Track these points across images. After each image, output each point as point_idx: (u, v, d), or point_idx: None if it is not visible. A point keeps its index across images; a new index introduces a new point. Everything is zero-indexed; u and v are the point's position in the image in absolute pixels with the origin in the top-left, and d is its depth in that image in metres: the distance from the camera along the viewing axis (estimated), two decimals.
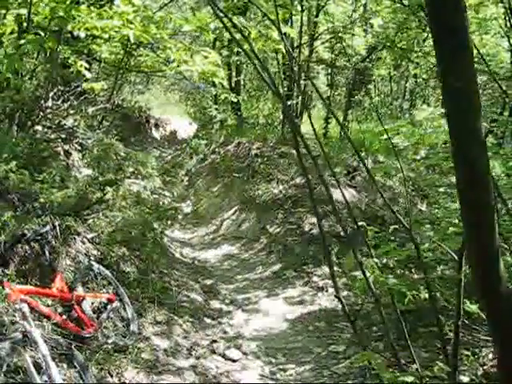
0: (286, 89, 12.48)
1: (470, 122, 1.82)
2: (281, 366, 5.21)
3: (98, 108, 8.29)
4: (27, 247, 4.74)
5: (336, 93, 14.91)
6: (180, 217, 8.99)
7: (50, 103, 7.36)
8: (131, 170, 5.33)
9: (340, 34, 12.93)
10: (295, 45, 11.71)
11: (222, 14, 3.64)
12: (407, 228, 2.96)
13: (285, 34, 9.34)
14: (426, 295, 3.26)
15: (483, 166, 1.85)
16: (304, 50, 13.11)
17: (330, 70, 13.59)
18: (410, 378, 2.49)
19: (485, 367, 3.79)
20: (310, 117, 3.95)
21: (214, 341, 5.55)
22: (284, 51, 9.96)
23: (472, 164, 1.84)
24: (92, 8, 6.78)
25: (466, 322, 3.48)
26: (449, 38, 1.84)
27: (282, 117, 12.32)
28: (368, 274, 2.70)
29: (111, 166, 5.23)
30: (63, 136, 7.31)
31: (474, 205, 1.94)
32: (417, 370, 2.71)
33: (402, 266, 5.16)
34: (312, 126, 3.63)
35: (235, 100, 10.70)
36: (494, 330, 2.22)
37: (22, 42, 5.59)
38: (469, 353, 4.10)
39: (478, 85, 1.88)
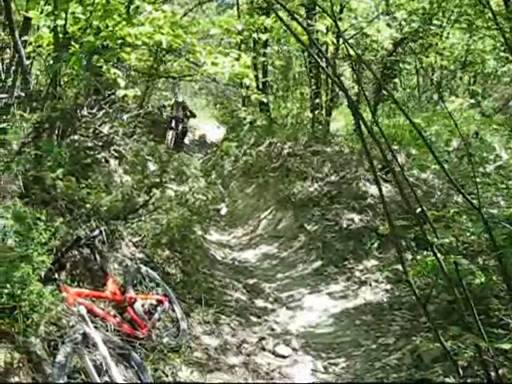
0: (313, 87, 12.45)
1: None
2: (331, 361, 5.22)
3: (131, 115, 8.38)
4: (76, 252, 4.83)
5: (364, 88, 14.84)
6: (217, 219, 9.06)
7: (85, 112, 7.48)
8: (175, 171, 5.41)
9: (364, 30, 12.91)
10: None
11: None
12: (477, 208, 2.93)
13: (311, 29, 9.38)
14: (482, 279, 3.22)
15: None
16: (330, 48, 13.09)
17: (356, 66, 13.50)
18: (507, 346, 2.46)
19: None
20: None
21: (263, 338, 5.58)
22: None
23: None
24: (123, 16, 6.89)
25: None
26: None
27: (311, 116, 12.29)
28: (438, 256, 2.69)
29: (155, 168, 5.31)
30: (100, 144, 7.41)
31: None
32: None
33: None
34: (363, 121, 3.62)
35: (265, 100, 10.69)
36: None
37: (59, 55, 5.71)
38: None
39: None
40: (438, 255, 2.68)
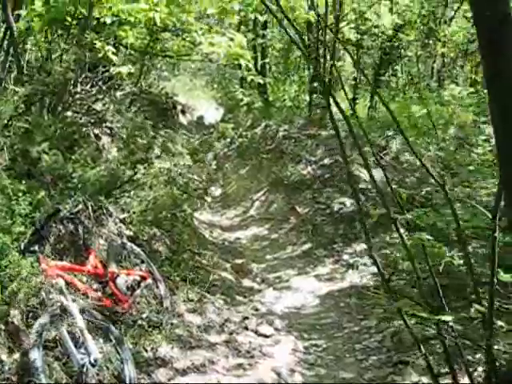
0: (311, 70, 12.40)
1: None
2: (313, 342, 5.24)
3: (125, 92, 8.35)
4: (61, 227, 4.83)
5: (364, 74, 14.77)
6: (209, 199, 9.06)
7: (78, 88, 7.45)
8: (161, 148, 5.39)
9: (365, 15, 12.81)
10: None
11: None
12: (441, 185, 2.92)
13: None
14: (461, 261, 3.22)
15: None
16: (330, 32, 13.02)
17: (356, 51, 13.44)
18: (447, 318, 2.48)
19: None
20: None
21: (246, 317, 5.60)
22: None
23: None
24: None
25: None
26: None
27: (308, 99, 12.25)
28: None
29: (141, 144, 5.30)
30: (93, 120, 7.40)
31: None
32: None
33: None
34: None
35: (262, 82, 10.65)
36: None
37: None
38: (502, 323, 4.06)
39: None
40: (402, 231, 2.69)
